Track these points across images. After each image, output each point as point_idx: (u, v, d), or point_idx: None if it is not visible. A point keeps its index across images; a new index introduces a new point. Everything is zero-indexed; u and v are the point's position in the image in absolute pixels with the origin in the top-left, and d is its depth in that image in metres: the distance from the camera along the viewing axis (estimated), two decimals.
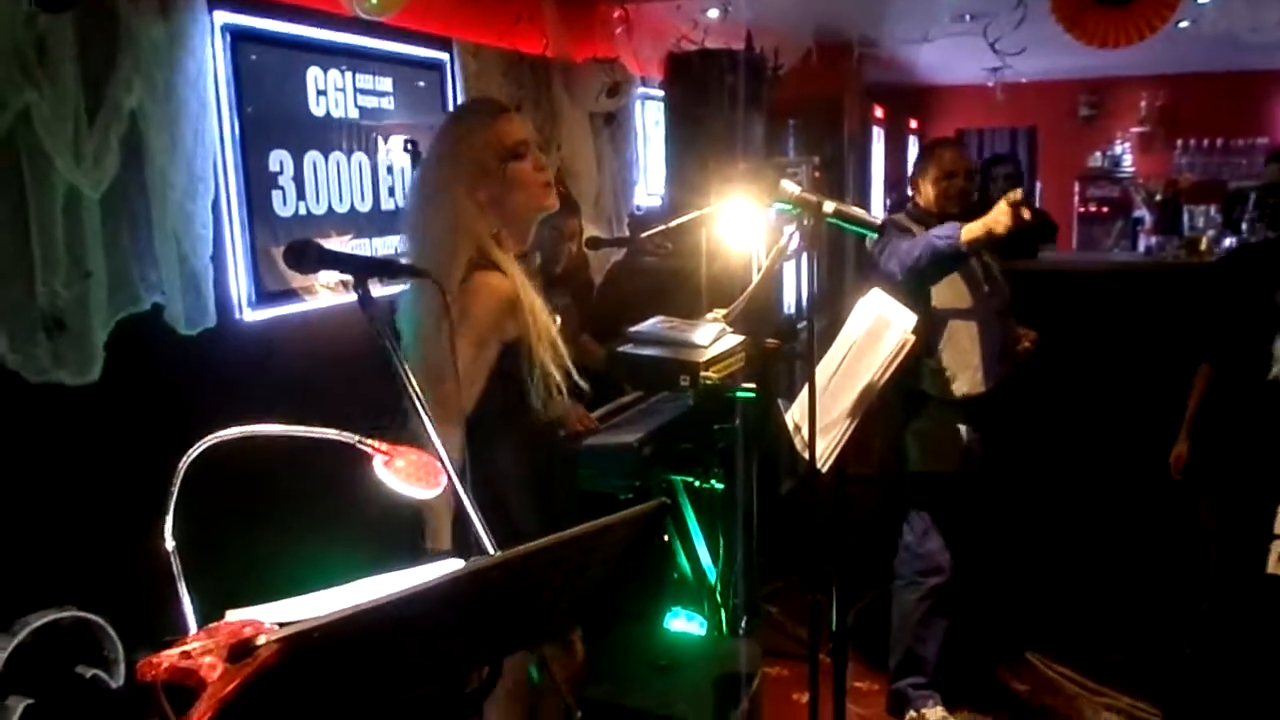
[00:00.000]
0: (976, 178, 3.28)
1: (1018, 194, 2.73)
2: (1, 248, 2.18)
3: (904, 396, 3.16)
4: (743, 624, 3.53)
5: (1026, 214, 2.72)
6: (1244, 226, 6.00)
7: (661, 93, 4.89)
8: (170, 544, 1.07)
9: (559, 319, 2.20)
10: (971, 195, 3.24)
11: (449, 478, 1.37)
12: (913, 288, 2.99)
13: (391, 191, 3.39)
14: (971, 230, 2.82)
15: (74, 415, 2.29)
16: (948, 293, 3.15)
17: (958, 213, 3.13)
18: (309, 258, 1.52)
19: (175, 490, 1.09)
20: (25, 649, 1.94)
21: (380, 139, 3.35)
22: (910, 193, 3.38)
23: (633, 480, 3.10)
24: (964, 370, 3.16)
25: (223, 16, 2.69)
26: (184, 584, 1.06)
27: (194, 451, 1.11)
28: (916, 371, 3.13)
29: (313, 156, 3.05)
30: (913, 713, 3.31)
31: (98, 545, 2.20)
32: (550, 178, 2.15)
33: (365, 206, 3.28)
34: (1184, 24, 4.94)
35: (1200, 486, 3.25)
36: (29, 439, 2.21)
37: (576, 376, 2.17)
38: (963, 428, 3.19)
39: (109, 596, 2.11)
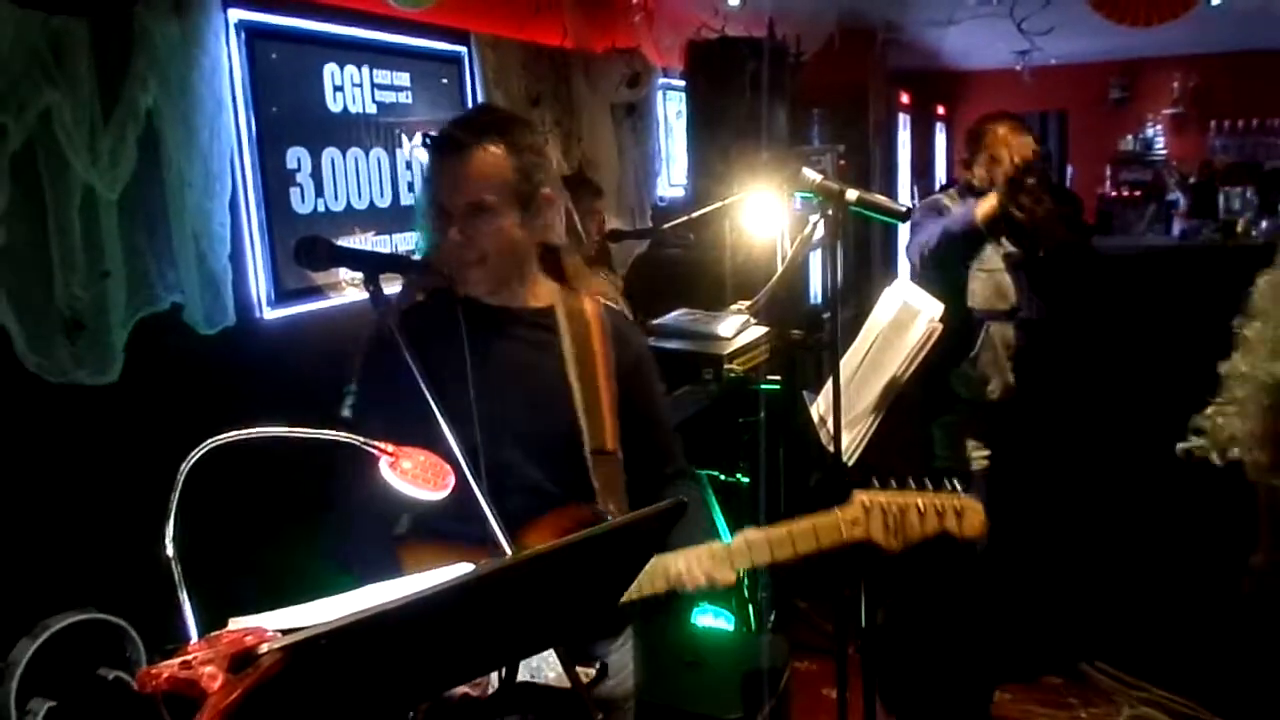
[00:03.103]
0: (1037, 164, 2.99)
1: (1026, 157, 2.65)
2: (21, 250, 2.18)
3: (931, 394, 3.10)
4: (771, 619, 3.49)
5: (1030, 181, 2.64)
6: None
7: (683, 82, 4.84)
8: (170, 550, 1.05)
9: None
10: (1023, 180, 2.91)
11: (467, 478, 1.34)
12: (934, 277, 2.91)
13: (411, 187, 3.37)
14: (984, 205, 2.74)
15: (94, 416, 2.29)
16: (990, 293, 3.06)
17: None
18: (318, 255, 1.49)
19: (176, 496, 1.07)
20: (48, 651, 1.94)
21: (400, 134, 3.33)
22: (964, 170, 3.23)
23: None
24: (999, 374, 3.09)
25: (237, 14, 2.68)
26: (185, 591, 1.04)
27: (194, 456, 1.09)
28: (945, 375, 3.06)
29: (330, 153, 3.03)
30: None
31: (119, 547, 2.19)
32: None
33: (385, 202, 3.26)
34: (1216, 1, 4.83)
35: None
36: (50, 441, 2.21)
37: None
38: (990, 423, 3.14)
39: (131, 598, 2.10)
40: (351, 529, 1.59)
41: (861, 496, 1.62)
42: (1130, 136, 9.34)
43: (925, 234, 2.96)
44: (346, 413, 1.58)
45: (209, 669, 0.87)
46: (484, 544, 1.42)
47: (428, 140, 1.61)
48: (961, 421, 3.15)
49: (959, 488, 1.67)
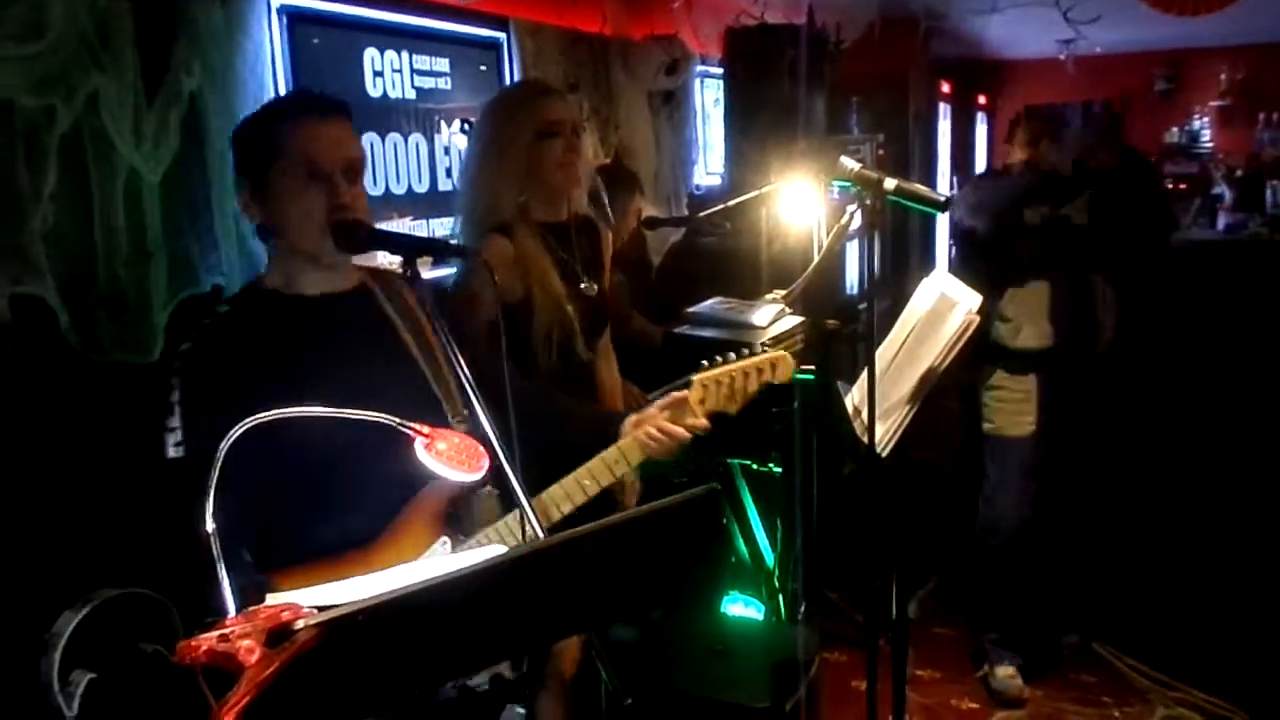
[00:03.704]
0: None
1: None
2: (66, 230, 2.22)
3: (978, 348, 3.13)
4: (801, 609, 3.49)
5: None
6: None
7: (721, 70, 4.82)
8: (210, 526, 1.07)
9: (595, 289, 2.24)
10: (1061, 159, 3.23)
11: (501, 461, 1.35)
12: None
13: (449, 172, 3.38)
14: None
15: (136, 394, 2.32)
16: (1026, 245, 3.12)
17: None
18: (358, 238, 1.51)
19: (215, 474, 1.08)
20: (90, 624, 1.97)
21: (439, 120, 3.35)
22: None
23: (687, 463, 3.06)
24: (1031, 324, 3.11)
25: None
26: (224, 567, 1.06)
27: (233, 434, 1.10)
28: (986, 319, 3.11)
29: (370, 138, 3.05)
30: (986, 667, 3.38)
31: (159, 523, 2.22)
32: (574, 161, 2.22)
33: (423, 188, 3.28)
34: None
35: None
36: (93, 418, 2.25)
37: (580, 350, 2.28)
38: (1036, 384, 3.13)
39: (170, 574, 2.13)
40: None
41: (698, 379, 1.84)
42: (1176, 129, 9.18)
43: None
44: (173, 451, 1.54)
45: (246, 643, 0.88)
46: (335, 553, 1.44)
47: (297, 102, 1.63)
48: (1009, 384, 3.19)
49: (768, 347, 1.95)
